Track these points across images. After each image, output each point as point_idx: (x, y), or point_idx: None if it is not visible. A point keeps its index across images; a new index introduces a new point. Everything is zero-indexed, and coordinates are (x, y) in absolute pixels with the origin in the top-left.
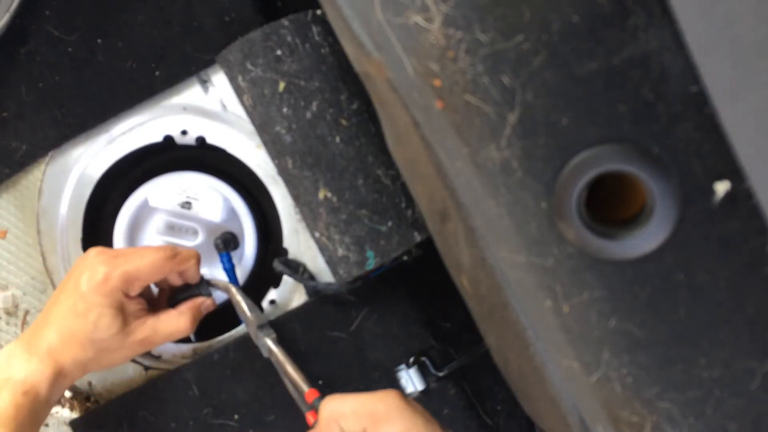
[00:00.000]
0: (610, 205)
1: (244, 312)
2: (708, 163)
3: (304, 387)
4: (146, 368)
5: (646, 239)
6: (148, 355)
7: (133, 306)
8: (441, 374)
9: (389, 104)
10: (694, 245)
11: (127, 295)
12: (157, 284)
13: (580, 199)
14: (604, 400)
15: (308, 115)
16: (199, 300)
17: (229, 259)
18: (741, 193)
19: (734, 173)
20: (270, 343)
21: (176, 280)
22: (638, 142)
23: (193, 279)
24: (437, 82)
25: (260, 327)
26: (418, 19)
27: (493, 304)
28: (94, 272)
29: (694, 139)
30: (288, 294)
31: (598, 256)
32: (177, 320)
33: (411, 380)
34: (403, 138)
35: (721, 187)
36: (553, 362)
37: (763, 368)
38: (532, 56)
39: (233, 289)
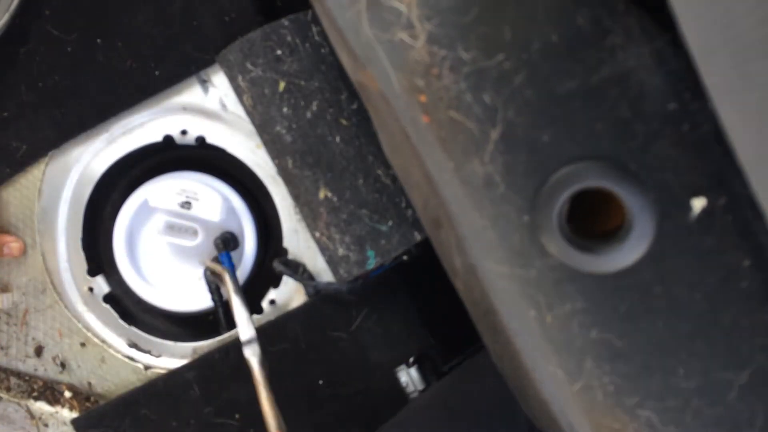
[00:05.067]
0: (593, 216)
1: (233, 311)
2: (685, 180)
3: (273, 428)
4: (146, 368)
5: (625, 253)
6: (149, 354)
7: None
8: (441, 374)
9: (383, 114)
10: (672, 259)
11: None
12: None
13: (560, 214)
14: (587, 407)
15: (308, 114)
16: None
17: (229, 259)
18: (717, 209)
19: (711, 189)
20: (253, 363)
21: None
22: (616, 160)
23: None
24: (423, 98)
25: (245, 342)
26: (404, 36)
27: (485, 310)
28: None
29: (670, 156)
30: (288, 294)
31: (579, 269)
32: None
33: (411, 380)
34: (397, 146)
35: (698, 204)
36: (540, 369)
37: (740, 380)
38: (513, 74)
39: (228, 278)
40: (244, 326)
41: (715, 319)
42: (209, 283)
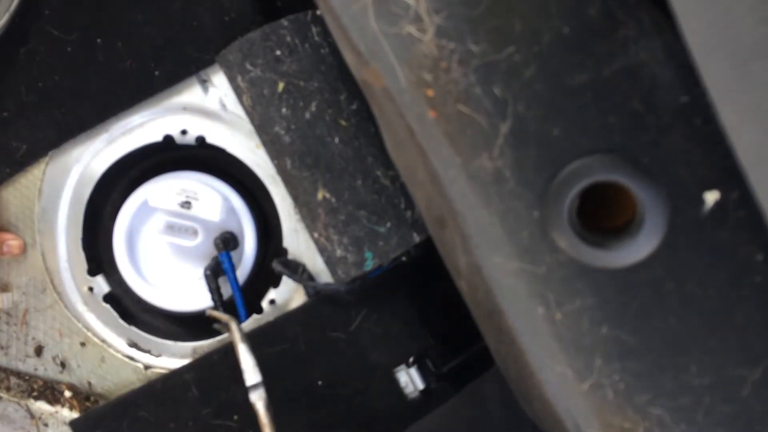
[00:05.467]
0: (603, 212)
1: (239, 358)
2: (697, 173)
3: None
4: (146, 367)
5: (636, 248)
6: (149, 354)
7: None
8: (441, 374)
9: (387, 112)
10: (684, 254)
11: None
12: None
13: (571, 209)
14: (596, 407)
15: (307, 115)
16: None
17: (229, 259)
18: (730, 203)
19: (724, 183)
20: (259, 407)
21: None
22: (628, 153)
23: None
24: (430, 92)
25: (251, 387)
26: (412, 29)
27: (489, 310)
28: None
29: (683, 149)
30: (288, 294)
31: (590, 265)
32: None
33: (411, 380)
34: (401, 144)
35: (711, 197)
36: (547, 368)
37: (753, 375)
38: (523, 68)
39: (234, 326)
40: (250, 372)
41: (728, 315)
42: (209, 283)
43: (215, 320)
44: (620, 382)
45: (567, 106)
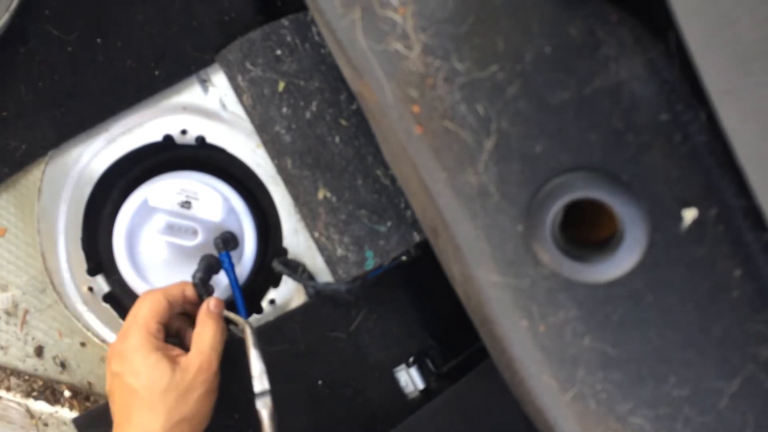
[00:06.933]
0: (587, 224)
1: (249, 362)
2: (676, 191)
3: None
4: None
5: (617, 263)
6: None
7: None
8: (441, 374)
9: (382, 124)
10: (664, 269)
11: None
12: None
13: (554, 223)
14: (579, 416)
15: (308, 115)
16: (206, 302)
17: (229, 259)
18: (709, 220)
19: (702, 200)
20: (264, 415)
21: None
22: (608, 170)
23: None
24: (416, 108)
25: (258, 395)
26: (399, 46)
27: (482, 318)
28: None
29: (662, 167)
30: (288, 294)
31: (572, 279)
32: (203, 329)
33: (411, 379)
34: (396, 156)
35: (689, 214)
36: (534, 378)
37: (731, 388)
38: (506, 85)
39: (248, 331)
40: (259, 379)
41: (707, 328)
42: (200, 294)
43: (230, 321)
44: (602, 392)
45: (549, 123)
